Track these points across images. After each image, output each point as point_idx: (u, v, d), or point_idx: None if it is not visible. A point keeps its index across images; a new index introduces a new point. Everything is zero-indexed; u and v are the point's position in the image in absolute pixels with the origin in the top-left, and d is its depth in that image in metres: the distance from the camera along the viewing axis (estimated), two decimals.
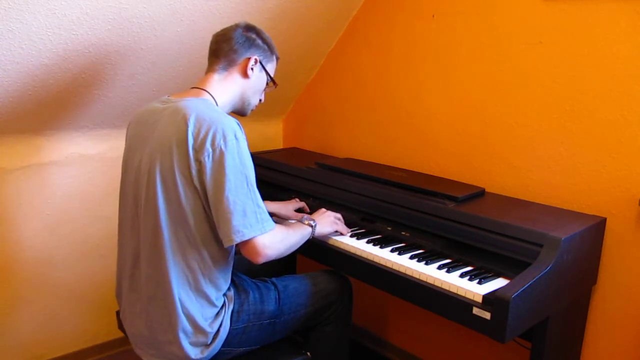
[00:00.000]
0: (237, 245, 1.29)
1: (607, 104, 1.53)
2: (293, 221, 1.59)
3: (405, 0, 2.01)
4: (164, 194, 1.29)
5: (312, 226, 1.52)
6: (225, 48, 1.45)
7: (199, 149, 1.25)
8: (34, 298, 2.03)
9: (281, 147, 2.68)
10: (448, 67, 1.91)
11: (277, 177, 2.05)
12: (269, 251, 1.31)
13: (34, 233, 1.98)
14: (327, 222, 1.61)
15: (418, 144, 2.06)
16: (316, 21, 2.13)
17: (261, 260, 1.30)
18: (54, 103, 1.82)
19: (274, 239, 1.32)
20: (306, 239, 1.50)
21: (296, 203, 1.85)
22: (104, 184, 2.11)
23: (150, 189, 1.31)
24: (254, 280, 1.52)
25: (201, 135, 1.25)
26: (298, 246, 1.45)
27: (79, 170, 2.05)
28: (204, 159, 1.25)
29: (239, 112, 1.54)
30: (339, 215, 1.66)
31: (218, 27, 1.88)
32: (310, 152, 2.40)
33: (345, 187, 1.81)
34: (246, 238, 1.26)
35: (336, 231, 1.64)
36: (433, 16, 1.93)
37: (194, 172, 1.26)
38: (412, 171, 1.96)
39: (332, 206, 1.78)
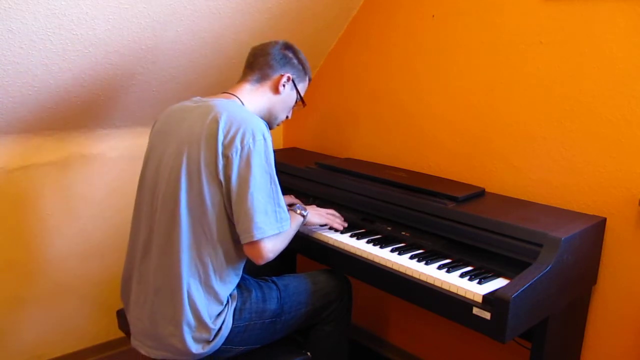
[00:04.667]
0: (243, 245, 1.32)
1: (607, 104, 1.53)
2: None
3: (405, 0, 2.01)
4: (187, 185, 1.32)
5: (304, 216, 1.56)
6: (261, 62, 1.50)
7: (228, 145, 1.29)
8: (34, 298, 2.03)
9: (281, 147, 2.67)
10: (448, 67, 1.91)
11: (277, 177, 2.05)
12: (271, 254, 1.35)
13: (35, 233, 1.98)
14: (317, 214, 1.66)
15: (418, 144, 2.06)
16: (316, 21, 2.13)
17: (262, 262, 1.34)
18: (53, 103, 1.82)
19: (277, 242, 1.36)
20: (298, 228, 1.54)
21: (291, 199, 1.85)
22: (104, 184, 2.11)
23: (172, 180, 1.33)
24: (255, 279, 1.52)
25: (231, 133, 1.29)
26: (292, 236, 1.50)
27: (79, 170, 2.05)
28: (232, 154, 1.28)
29: None
30: (330, 211, 1.70)
31: (218, 27, 1.89)
32: (310, 152, 2.40)
33: (345, 187, 1.81)
34: (266, 235, 1.30)
35: (328, 226, 1.68)
36: (433, 16, 1.93)
37: (220, 166, 1.29)
38: (412, 171, 1.96)
39: (332, 206, 1.78)
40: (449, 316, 1.33)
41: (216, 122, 1.31)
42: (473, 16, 1.81)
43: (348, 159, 2.15)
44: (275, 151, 2.38)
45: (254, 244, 1.30)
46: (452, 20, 1.87)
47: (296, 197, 1.89)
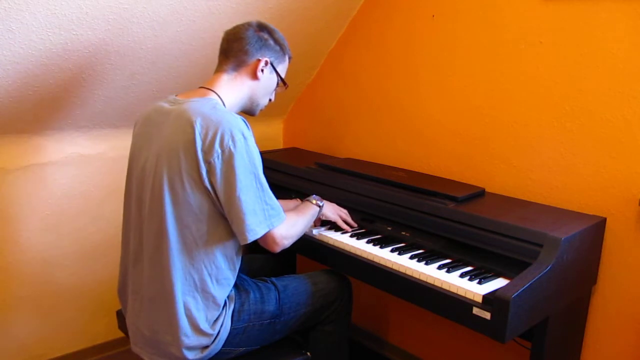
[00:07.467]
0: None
1: (607, 104, 1.53)
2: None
3: (405, 0, 2.01)
4: (171, 197, 1.29)
5: (319, 206, 1.57)
6: (235, 48, 1.42)
7: (207, 150, 1.25)
8: (33, 298, 2.03)
9: (281, 147, 2.68)
10: (448, 67, 1.91)
11: (277, 177, 2.05)
12: (285, 240, 1.37)
13: (34, 233, 1.98)
14: (333, 209, 1.67)
15: (418, 144, 2.06)
16: (316, 21, 2.13)
17: (278, 249, 1.37)
18: (54, 103, 1.82)
19: (288, 227, 1.37)
20: (314, 218, 1.56)
21: (298, 202, 1.85)
22: (104, 184, 2.11)
23: (156, 191, 1.31)
24: (254, 280, 1.52)
25: (209, 137, 1.25)
26: (309, 226, 1.51)
27: (79, 170, 2.05)
28: (214, 160, 1.25)
29: (247, 112, 1.53)
30: (345, 211, 1.72)
31: (218, 27, 1.89)
32: (310, 152, 2.40)
33: (345, 187, 1.81)
34: (259, 236, 1.30)
35: (328, 226, 1.69)
36: (433, 16, 1.93)
37: (203, 173, 1.26)
38: (412, 171, 1.96)
39: None
40: (449, 316, 1.33)
41: (192, 127, 1.26)
42: (473, 16, 1.81)
43: (348, 159, 2.15)
44: (274, 151, 2.41)
45: (262, 236, 1.31)
46: (452, 20, 1.87)
47: (297, 197, 1.89)
